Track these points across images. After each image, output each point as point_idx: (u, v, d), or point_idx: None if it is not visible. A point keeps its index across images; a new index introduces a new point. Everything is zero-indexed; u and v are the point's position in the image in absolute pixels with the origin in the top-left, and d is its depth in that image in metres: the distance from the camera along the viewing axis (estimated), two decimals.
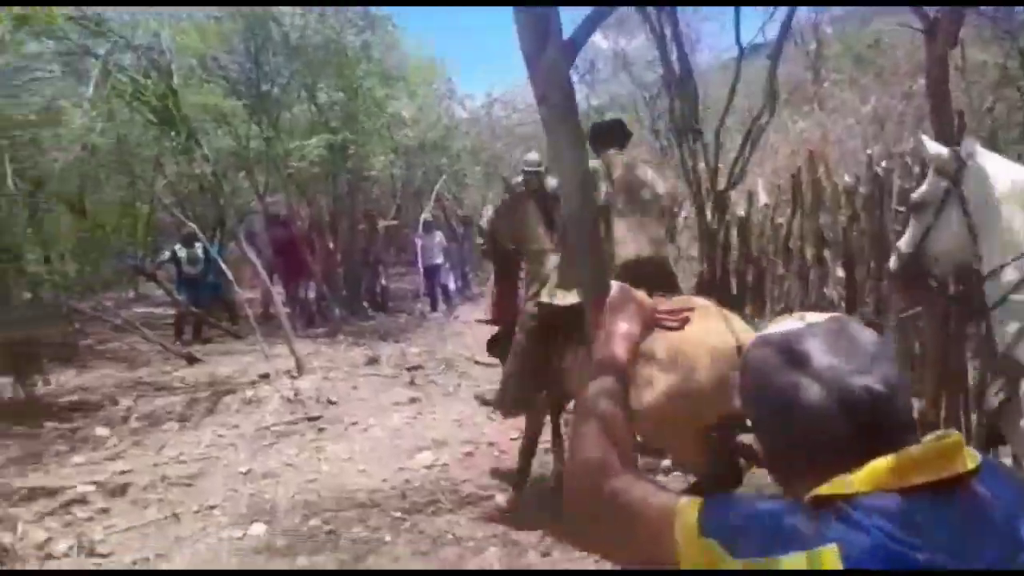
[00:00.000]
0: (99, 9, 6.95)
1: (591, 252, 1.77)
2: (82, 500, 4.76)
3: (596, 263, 1.79)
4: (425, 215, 13.25)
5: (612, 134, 4.19)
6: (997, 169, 2.49)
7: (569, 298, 3.61)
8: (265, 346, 8.17)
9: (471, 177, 17.32)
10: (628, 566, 0.97)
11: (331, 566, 3.74)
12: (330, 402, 6.70)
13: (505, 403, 4.34)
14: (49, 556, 3.96)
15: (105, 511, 4.61)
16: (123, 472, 5.26)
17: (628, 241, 3.77)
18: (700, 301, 3.45)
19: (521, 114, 17.17)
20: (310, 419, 6.43)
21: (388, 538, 4.02)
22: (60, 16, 6.36)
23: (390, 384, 7.23)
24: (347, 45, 10.94)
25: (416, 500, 4.51)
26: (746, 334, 3.13)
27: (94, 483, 5.02)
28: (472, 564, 3.69)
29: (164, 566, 3.81)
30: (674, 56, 6.79)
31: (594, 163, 3.83)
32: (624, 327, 1.22)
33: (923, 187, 2.68)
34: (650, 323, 1.31)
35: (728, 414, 2.98)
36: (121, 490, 4.94)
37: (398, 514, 4.32)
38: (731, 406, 2.89)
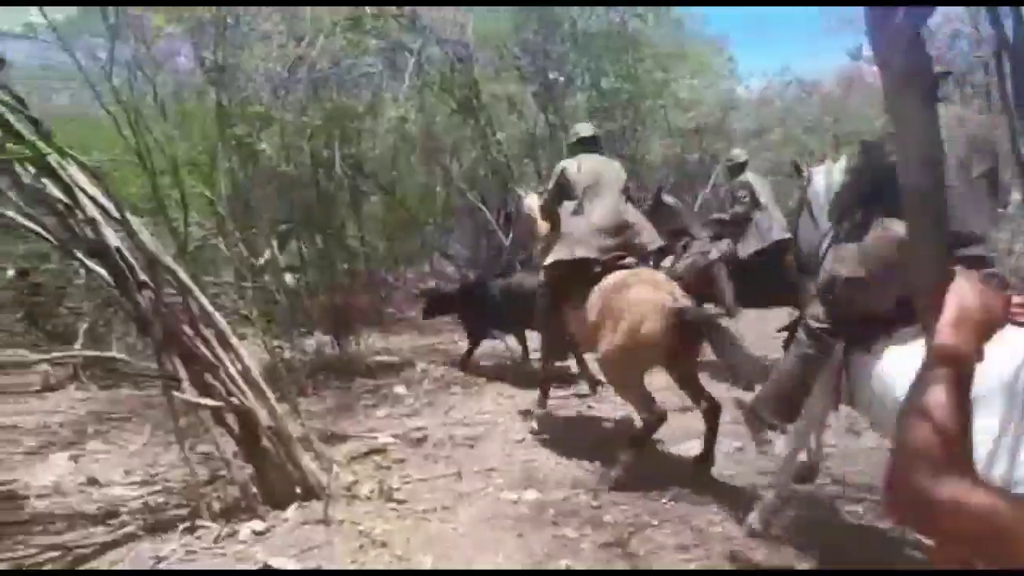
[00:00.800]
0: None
1: (935, 231, 1.58)
2: (383, 450, 5.31)
3: (938, 243, 1.58)
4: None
5: (585, 144, 5.42)
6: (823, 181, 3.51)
7: (550, 258, 5.14)
8: None
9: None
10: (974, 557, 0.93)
11: (597, 541, 3.79)
12: (598, 382, 6.86)
13: (549, 358, 5.96)
14: (354, 497, 4.36)
15: (402, 462, 5.09)
16: (418, 428, 5.84)
17: (594, 214, 4.98)
18: (646, 272, 4.85)
19: (818, 96, 15.94)
20: (579, 396, 6.66)
21: (654, 523, 3.99)
22: (386, 16, 7.05)
23: (657, 369, 7.18)
24: (627, 30, 10.97)
25: (683, 489, 4.45)
26: (684, 298, 4.49)
27: (394, 436, 5.63)
28: (732, 564, 3.52)
29: (449, 518, 4.12)
30: (1008, 22, 5.88)
31: (566, 162, 5.23)
32: (968, 317, 1.10)
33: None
34: (1002, 317, 1.17)
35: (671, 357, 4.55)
36: (416, 444, 5.48)
37: (664, 501, 4.30)
38: (670, 352, 4.51)
